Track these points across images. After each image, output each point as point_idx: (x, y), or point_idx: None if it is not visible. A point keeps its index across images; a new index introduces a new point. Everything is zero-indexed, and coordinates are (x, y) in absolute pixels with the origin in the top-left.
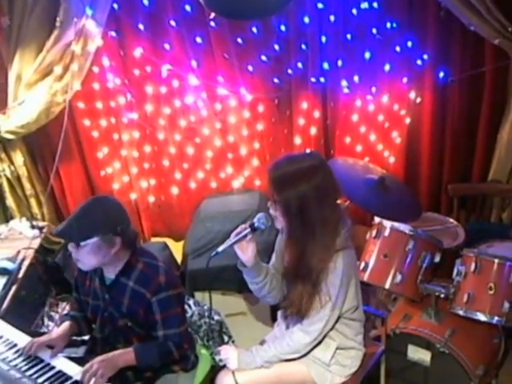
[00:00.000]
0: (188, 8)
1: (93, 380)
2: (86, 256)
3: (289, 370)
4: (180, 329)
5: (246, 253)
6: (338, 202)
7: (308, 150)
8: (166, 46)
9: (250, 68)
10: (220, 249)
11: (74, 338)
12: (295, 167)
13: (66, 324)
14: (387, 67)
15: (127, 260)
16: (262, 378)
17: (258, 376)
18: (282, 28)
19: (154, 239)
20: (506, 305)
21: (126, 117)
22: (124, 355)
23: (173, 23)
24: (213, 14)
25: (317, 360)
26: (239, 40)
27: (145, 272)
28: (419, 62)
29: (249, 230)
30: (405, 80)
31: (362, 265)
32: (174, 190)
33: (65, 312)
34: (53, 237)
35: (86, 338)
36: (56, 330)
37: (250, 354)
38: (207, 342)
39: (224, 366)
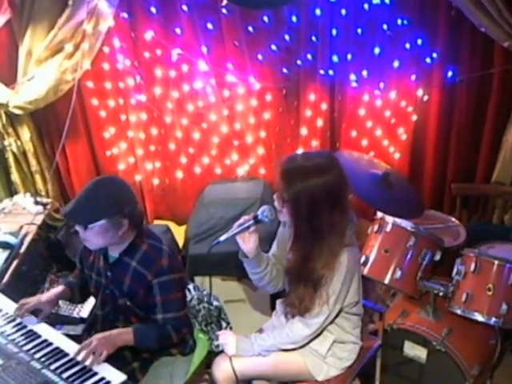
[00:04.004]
0: None
1: (91, 357)
2: (93, 237)
3: (285, 359)
4: (179, 313)
5: (248, 244)
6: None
7: (316, 146)
8: (177, 31)
9: (260, 57)
10: (222, 238)
11: (73, 316)
12: (308, 162)
13: (59, 288)
14: (396, 63)
15: (132, 240)
16: (258, 365)
17: (254, 363)
18: (294, 19)
19: (156, 222)
20: (504, 306)
21: (135, 98)
22: (123, 335)
23: (185, 8)
24: (225, 1)
25: (313, 351)
26: (250, 28)
27: (148, 253)
28: (428, 60)
29: (252, 221)
30: (413, 77)
31: (363, 259)
32: (179, 174)
33: None
34: (56, 214)
35: (85, 316)
36: (46, 293)
37: (249, 341)
38: (205, 327)
39: (221, 352)
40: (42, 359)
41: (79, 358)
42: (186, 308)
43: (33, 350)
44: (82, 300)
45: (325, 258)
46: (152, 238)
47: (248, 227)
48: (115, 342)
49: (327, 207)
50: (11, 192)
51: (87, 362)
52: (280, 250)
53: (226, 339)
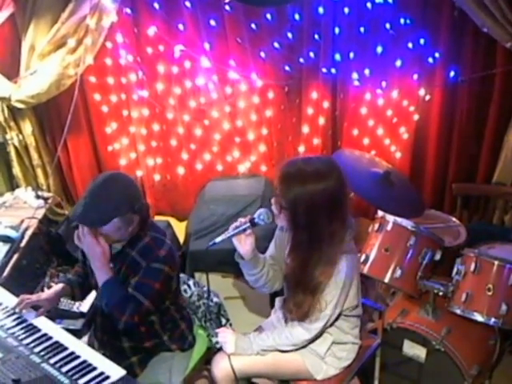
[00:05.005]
0: None
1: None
2: (105, 235)
3: (284, 358)
4: (145, 301)
5: (244, 246)
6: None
7: (317, 144)
8: (180, 27)
9: (263, 54)
10: (218, 240)
11: (73, 310)
12: (308, 167)
13: (59, 286)
14: (398, 63)
15: (136, 233)
16: (257, 364)
17: (253, 362)
18: (296, 17)
19: (157, 218)
20: (504, 307)
21: (137, 94)
22: (103, 269)
23: (188, 4)
24: None
25: (312, 351)
26: (253, 26)
27: (149, 245)
28: (431, 59)
29: (248, 224)
30: (415, 77)
31: (363, 257)
32: (180, 170)
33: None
34: (57, 208)
35: (85, 310)
36: (46, 291)
37: (248, 340)
38: (205, 324)
39: (220, 349)
40: (42, 353)
41: None
42: (152, 304)
43: (32, 344)
44: (83, 297)
45: (323, 265)
46: (157, 231)
47: (244, 230)
48: (97, 256)
49: (326, 215)
50: (12, 186)
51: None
52: (277, 252)
53: (225, 337)
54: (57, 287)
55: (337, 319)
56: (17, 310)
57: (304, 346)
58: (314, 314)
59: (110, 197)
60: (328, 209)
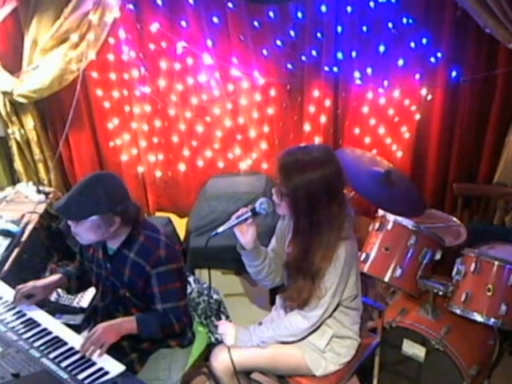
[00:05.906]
0: None
1: (92, 348)
2: (85, 232)
3: (284, 352)
4: (179, 303)
5: (246, 236)
6: (346, 199)
7: (318, 142)
8: (183, 24)
9: (265, 52)
10: (220, 230)
11: (73, 305)
12: (305, 156)
13: (56, 276)
14: (400, 62)
15: (129, 232)
16: (256, 357)
17: (253, 355)
18: (299, 15)
19: (158, 214)
20: (503, 307)
21: (139, 90)
22: (126, 323)
23: (191, 1)
24: None
25: (312, 345)
26: (256, 23)
27: (145, 245)
28: (433, 59)
29: (250, 213)
30: (417, 76)
31: (363, 256)
32: (182, 167)
33: None
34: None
35: (85, 305)
36: (43, 279)
37: (248, 332)
38: (204, 320)
39: (220, 343)
40: (41, 348)
41: (85, 348)
42: (185, 298)
43: (32, 339)
44: (78, 291)
45: (323, 251)
46: (149, 229)
47: (246, 219)
48: (119, 330)
49: (325, 200)
50: (14, 180)
51: (90, 353)
52: (279, 245)
53: (225, 329)
54: (54, 277)
55: (336, 310)
56: (14, 304)
57: (303, 339)
58: (313, 302)
59: (92, 194)
60: (326, 194)
